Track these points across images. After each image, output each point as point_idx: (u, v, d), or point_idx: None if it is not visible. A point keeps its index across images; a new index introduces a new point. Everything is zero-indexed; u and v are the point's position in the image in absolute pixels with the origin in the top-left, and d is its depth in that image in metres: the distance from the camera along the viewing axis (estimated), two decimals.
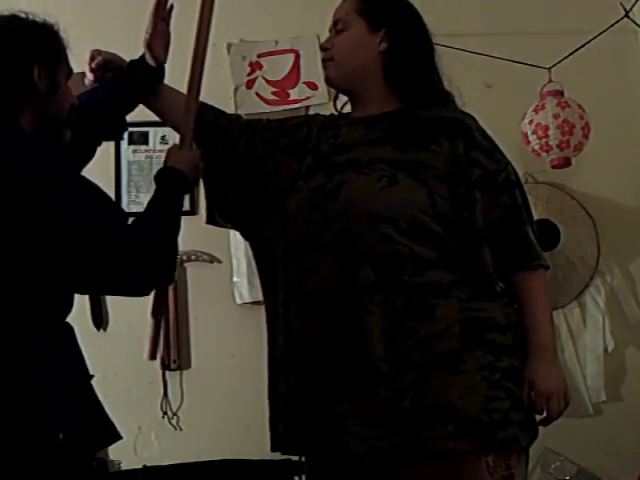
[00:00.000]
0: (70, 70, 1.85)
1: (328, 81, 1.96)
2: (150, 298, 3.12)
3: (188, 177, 1.85)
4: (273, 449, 1.88)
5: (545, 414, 1.79)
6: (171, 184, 1.83)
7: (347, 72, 1.89)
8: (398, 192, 1.76)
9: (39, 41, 1.76)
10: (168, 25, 1.97)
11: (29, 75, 1.72)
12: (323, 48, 1.93)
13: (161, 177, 1.85)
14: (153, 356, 2.00)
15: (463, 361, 1.72)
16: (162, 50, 1.97)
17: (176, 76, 2.07)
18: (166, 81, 2.05)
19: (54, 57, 1.78)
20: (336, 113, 2.02)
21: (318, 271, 1.78)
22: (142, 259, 1.70)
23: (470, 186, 1.78)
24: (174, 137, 3.26)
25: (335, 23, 1.92)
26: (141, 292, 1.79)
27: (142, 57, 1.99)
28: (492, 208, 1.79)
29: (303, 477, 2.60)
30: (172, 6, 1.98)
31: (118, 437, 1.78)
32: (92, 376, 1.79)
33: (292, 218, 1.84)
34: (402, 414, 1.70)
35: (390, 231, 1.74)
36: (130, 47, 3.27)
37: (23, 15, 1.77)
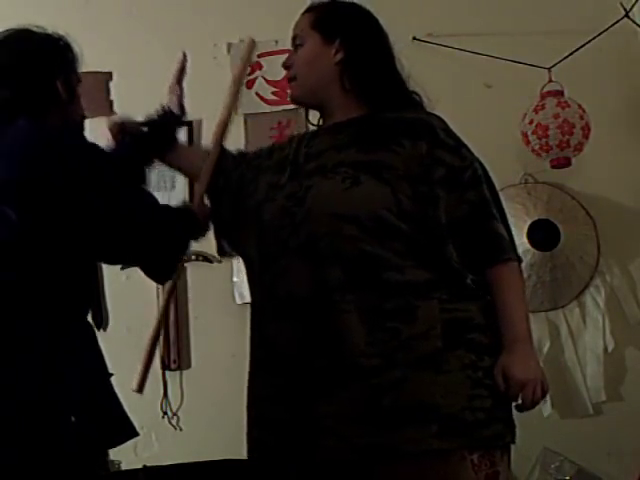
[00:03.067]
0: (80, 78, 1.96)
1: (293, 100, 2.00)
2: (152, 302, 3.13)
3: (198, 215, 1.98)
4: (249, 454, 1.90)
5: (520, 402, 1.79)
6: (184, 214, 1.96)
7: (309, 87, 1.93)
8: (360, 192, 1.78)
9: (60, 56, 1.89)
10: None
11: (54, 87, 1.85)
12: (285, 66, 1.99)
13: (176, 209, 1.98)
14: (140, 389, 1.98)
15: (446, 360, 1.72)
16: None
17: None
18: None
19: (71, 69, 1.91)
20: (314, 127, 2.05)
21: (289, 275, 1.80)
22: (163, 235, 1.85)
23: (432, 184, 1.79)
24: None
25: (293, 39, 1.97)
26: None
27: (167, 111, 2.13)
28: (459, 205, 1.80)
29: None
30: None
31: (135, 434, 1.84)
32: (111, 374, 1.85)
33: (266, 226, 1.88)
34: (383, 412, 1.70)
35: (354, 231, 1.75)
36: (129, 47, 3.28)
37: (36, 29, 1.88)
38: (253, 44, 2.22)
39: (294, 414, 1.76)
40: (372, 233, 1.75)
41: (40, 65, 1.85)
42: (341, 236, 1.76)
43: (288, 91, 2.01)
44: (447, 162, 1.81)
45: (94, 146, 1.82)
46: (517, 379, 1.74)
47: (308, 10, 1.97)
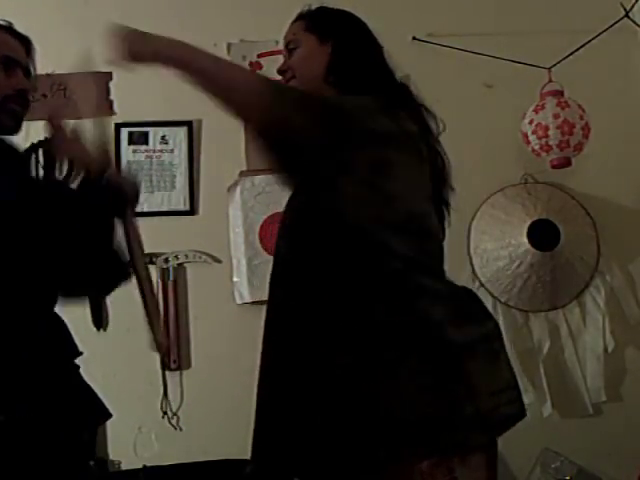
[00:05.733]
0: (4, 56, 1.87)
1: None
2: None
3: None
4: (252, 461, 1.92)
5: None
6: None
7: (306, 83, 1.94)
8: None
9: None
10: None
11: None
12: (280, 71, 2.00)
13: None
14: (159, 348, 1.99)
15: (394, 369, 1.63)
16: None
17: None
18: None
19: None
20: None
21: (276, 284, 1.84)
22: None
23: None
24: (174, 137, 3.28)
25: (287, 45, 2.01)
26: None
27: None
28: None
29: None
30: None
31: (108, 415, 1.80)
32: (80, 353, 1.81)
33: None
34: (330, 427, 1.64)
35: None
36: None
37: None
38: None
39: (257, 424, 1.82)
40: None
41: None
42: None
43: None
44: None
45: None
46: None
47: (299, 18, 2.02)
